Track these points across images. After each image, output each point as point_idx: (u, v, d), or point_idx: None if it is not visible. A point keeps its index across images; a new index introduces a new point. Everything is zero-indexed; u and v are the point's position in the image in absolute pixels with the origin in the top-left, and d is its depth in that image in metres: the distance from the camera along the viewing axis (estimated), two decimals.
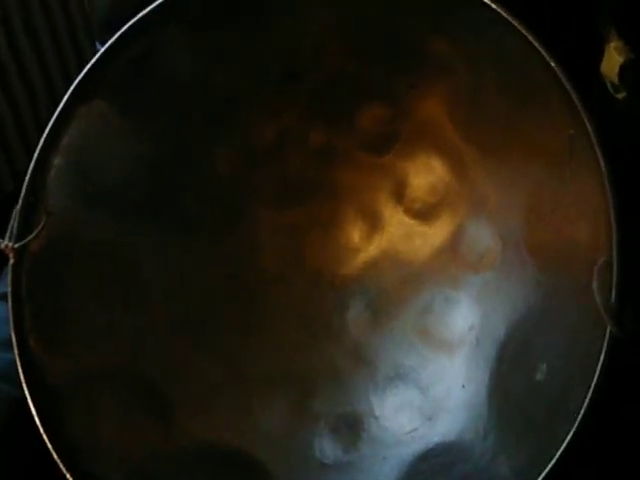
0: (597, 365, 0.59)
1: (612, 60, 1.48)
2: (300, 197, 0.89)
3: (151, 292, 0.85)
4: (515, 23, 0.64)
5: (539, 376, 0.68)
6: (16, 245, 0.77)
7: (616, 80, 1.45)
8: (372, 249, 0.89)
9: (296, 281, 0.89)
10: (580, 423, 0.59)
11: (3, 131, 1.63)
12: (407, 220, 0.87)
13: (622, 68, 1.49)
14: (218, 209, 0.88)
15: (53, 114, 0.78)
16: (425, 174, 0.85)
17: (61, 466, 0.70)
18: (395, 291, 0.86)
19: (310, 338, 0.87)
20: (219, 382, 0.84)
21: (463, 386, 0.77)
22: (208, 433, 0.82)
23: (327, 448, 0.81)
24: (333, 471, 0.80)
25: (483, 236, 0.80)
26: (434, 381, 0.80)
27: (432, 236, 0.85)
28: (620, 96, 1.45)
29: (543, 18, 0.76)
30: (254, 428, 0.83)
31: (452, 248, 0.83)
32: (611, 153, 0.63)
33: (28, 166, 0.78)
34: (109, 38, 0.79)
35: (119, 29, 0.78)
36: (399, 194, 0.87)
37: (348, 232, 0.89)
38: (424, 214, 0.86)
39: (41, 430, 0.72)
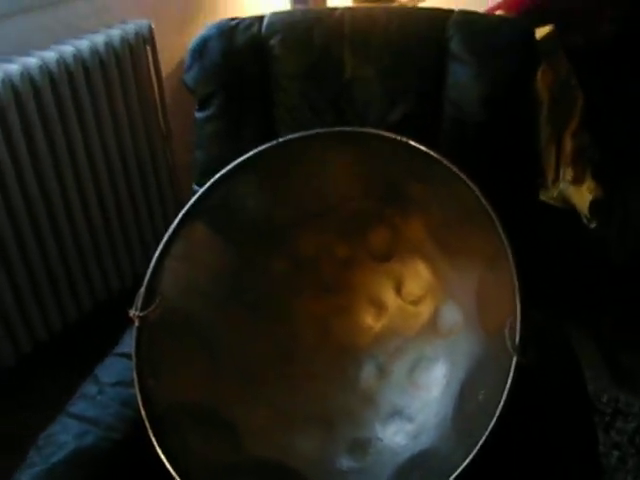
0: (507, 382, 1.02)
1: (584, 197, 2.00)
2: (329, 291, 1.37)
3: (224, 353, 1.30)
4: (462, 176, 1.12)
5: (481, 397, 1.11)
6: (140, 314, 1.24)
7: (587, 214, 1.98)
8: (379, 326, 1.34)
9: (326, 348, 1.34)
10: (497, 420, 1.01)
11: (129, 243, 2.24)
12: (403, 306, 1.33)
13: (592, 204, 2.03)
14: (273, 298, 1.35)
15: (165, 233, 1.27)
16: (414, 274, 1.32)
17: (168, 465, 1.13)
18: (394, 354, 1.31)
19: (335, 388, 1.31)
20: (271, 416, 1.28)
21: (436, 413, 1.19)
22: (263, 452, 1.24)
23: (345, 460, 1.23)
24: (350, 475, 1.21)
25: (452, 314, 1.25)
26: (418, 412, 1.23)
27: (419, 316, 1.31)
28: (592, 226, 1.97)
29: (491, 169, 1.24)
30: (295, 449, 1.25)
31: (432, 323, 1.29)
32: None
33: (147, 265, 1.27)
34: (205, 182, 1.30)
35: (212, 176, 1.29)
36: (397, 289, 1.34)
37: (362, 315, 1.36)
38: (414, 301, 1.32)
39: (153, 440, 1.15)
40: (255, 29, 1.44)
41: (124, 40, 2.15)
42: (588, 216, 1.92)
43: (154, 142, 2.32)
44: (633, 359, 2.13)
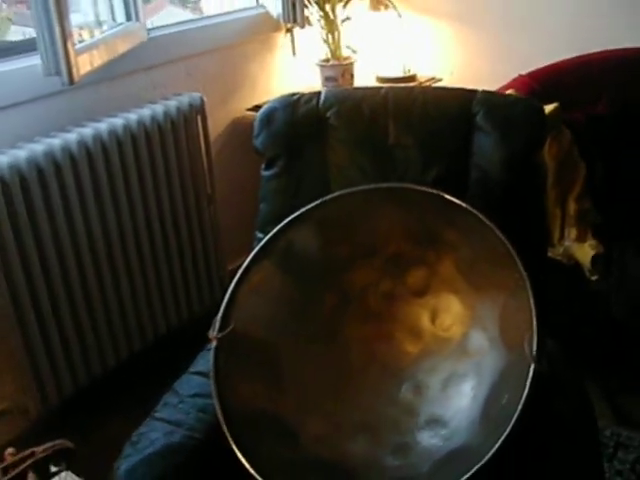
0: (526, 387, 1.31)
1: (586, 253, 2.32)
2: (374, 320, 1.66)
3: (286, 371, 1.59)
4: (488, 222, 1.43)
5: (504, 401, 1.39)
6: (218, 335, 1.53)
7: (590, 267, 2.30)
8: (416, 350, 1.63)
9: (371, 368, 1.62)
10: (517, 419, 1.30)
11: (175, 288, 2.56)
12: (437, 332, 1.62)
13: (593, 258, 2.35)
14: (327, 326, 1.64)
15: (238, 270, 1.57)
16: (446, 306, 1.62)
17: (242, 459, 1.41)
18: (429, 373, 1.59)
19: (379, 401, 1.59)
20: (326, 424, 1.55)
21: (466, 418, 1.47)
22: (320, 452, 1.51)
23: (389, 460, 1.50)
24: (393, 471, 1.48)
25: (479, 337, 1.55)
26: (451, 419, 1.51)
27: (451, 340, 1.60)
28: (593, 278, 2.29)
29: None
30: (346, 451, 1.52)
31: (462, 346, 1.58)
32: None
33: (223, 295, 1.56)
34: (267, 229, 1.61)
35: (273, 225, 1.60)
36: (432, 318, 1.64)
37: (402, 341, 1.65)
38: (446, 329, 1.62)
39: (230, 439, 1.43)
40: (314, 102, 1.78)
41: (179, 110, 2.49)
42: (590, 269, 2.23)
43: (201, 199, 2.64)
44: (632, 401, 2.41)
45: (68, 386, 2.33)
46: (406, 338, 1.65)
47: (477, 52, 3.20)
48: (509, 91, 2.50)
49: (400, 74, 3.21)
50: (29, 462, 1.35)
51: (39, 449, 1.37)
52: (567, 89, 2.63)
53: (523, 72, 2.64)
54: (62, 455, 1.39)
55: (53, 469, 1.38)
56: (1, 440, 1.78)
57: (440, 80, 3.20)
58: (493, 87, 2.49)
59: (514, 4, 3.10)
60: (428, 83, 3.17)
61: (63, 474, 1.57)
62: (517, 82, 2.63)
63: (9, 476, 1.33)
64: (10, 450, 1.39)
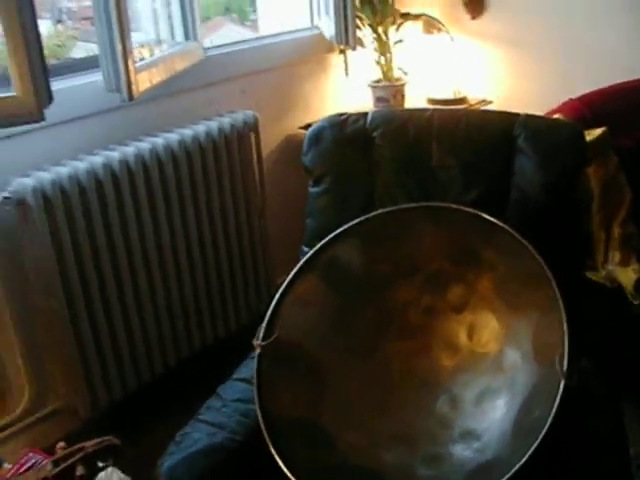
0: (555, 402, 1.36)
1: (629, 277, 2.35)
2: (413, 335, 1.72)
3: (327, 381, 1.66)
4: (525, 242, 1.49)
5: (535, 415, 1.44)
6: (262, 343, 1.60)
7: (632, 291, 2.33)
8: (452, 365, 1.69)
9: (408, 381, 1.69)
10: (545, 433, 1.35)
11: (223, 296, 2.70)
12: (473, 348, 1.68)
13: (637, 282, 2.38)
14: (367, 339, 1.71)
15: (282, 284, 1.65)
16: (483, 323, 1.67)
17: (280, 462, 1.48)
18: (464, 387, 1.65)
19: (415, 413, 1.65)
20: (363, 432, 1.62)
21: (498, 431, 1.52)
22: (356, 460, 1.58)
23: (422, 470, 1.56)
24: None
25: (513, 354, 1.60)
26: (483, 433, 1.56)
27: (486, 356, 1.66)
28: (636, 302, 2.32)
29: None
30: (382, 459, 1.58)
31: (496, 362, 1.63)
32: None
33: (268, 305, 1.64)
34: (313, 244, 1.68)
35: (319, 240, 1.67)
36: (469, 335, 1.70)
37: (439, 355, 1.71)
38: (483, 345, 1.67)
39: (269, 443, 1.51)
40: (361, 122, 1.86)
41: (233, 127, 2.59)
42: (633, 293, 2.26)
43: (252, 214, 2.73)
44: None
45: (117, 390, 2.43)
46: (443, 352, 1.71)
47: (529, 76, 3.24)
48: (556, 115, 2.54)
49: (450, 96, 3.27)
50: (79, 456, 1.45)
51: (88, 444, 1.46)
52: (618, 114, 2.65)
53: (574, 96, 2.68)
54: (109, 451, 1.48)
55: (100, 464, 1.48)
56: (51, 438, 1.87)
57: (490, 103, 3.25)
58: (544, 111, 2.54)
59: (568, 29, 3.14)
60: (478, 105, 3.22)
61: (109, 469, 1.66)
62: (566, 106, 2.66)
63: (59, 468, 1.43)
64: (61, 444, 1.48)
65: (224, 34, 4.28)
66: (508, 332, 1.63)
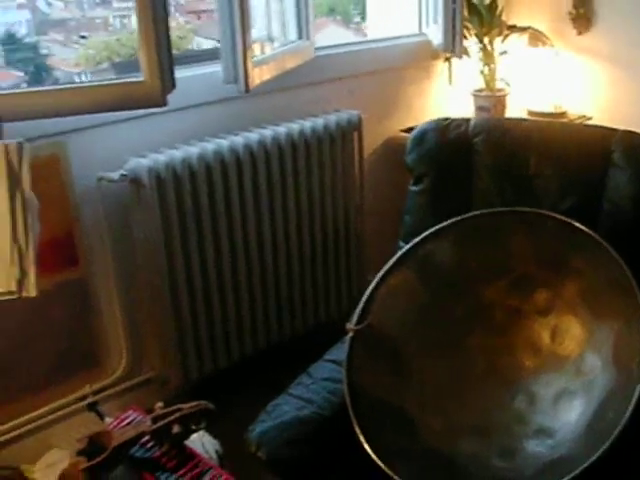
0: (631, 403, 1.44)
1: None
2: (498, 333, 1.82)
3: (412, 368, 1.78)
4: (614, 253, 1.58)
5: (610, 417, 1.52)
6: (355, 327, 1.73)
7: None
8: (533, 365, 1.79)
9: (490, 377, 1.79)
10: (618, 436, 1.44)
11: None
12: (555, 351, 1.77)
13: None
14: (453, 334, 1.82)
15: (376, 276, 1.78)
16: (567, 327, 1.77)
17: (362, 439, 1.60)
18: (543, 387, 1.75)
19: (494, 407, 1.75)
20: (443, 421, 1.73)
21: (572, 431, 1.61)
22: (434, 445, 1.68)
23: (496, 461, 1.66)
24: (500, 472, 1.64)
25: (592, 359, 1.69)
26: (557, 431, 1.66)
27: (567, 359, 1.75)
28: None
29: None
30: (459, 447, 1.69)
31: (576, 365, 1.72)
32: None
33: (360, 295, 1.77)
34: (409, 239, 1.80)
35: (414, 236, 1.79)
36: (552, 337, 1.79)
37: (521, 354, 1.81)
38: (565, 348, 1.76)
39: (354, 420, 1.64)
40: (463, 128, 1.97)
41: (338, 125, 2.73)
42: None
43: (349, 210, 2.86)
44: None
45: (208, 365, 2.59)
46: (526, 352, 1.81)
47: (630, 94, 3.27)
48: None
49: (551, 110, 3.33)
50: (175, 416, 1.59)
51: (185, 406, 1.61)
52: None
53: None
54: (203, 415, 1.62)
55: (194, 427, 1.62)
56: (142, 405, 2.01)
57: (590, 119, 3.30)
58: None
59: None
60: (578, 120, 3.27)
61: (201, 432, 1.81)
62: None
63: (157, 425, 1.58)
64: (159, 404, 1.63)
65: (327, 34, 4.41)
66: (590, 337, 1.72)
